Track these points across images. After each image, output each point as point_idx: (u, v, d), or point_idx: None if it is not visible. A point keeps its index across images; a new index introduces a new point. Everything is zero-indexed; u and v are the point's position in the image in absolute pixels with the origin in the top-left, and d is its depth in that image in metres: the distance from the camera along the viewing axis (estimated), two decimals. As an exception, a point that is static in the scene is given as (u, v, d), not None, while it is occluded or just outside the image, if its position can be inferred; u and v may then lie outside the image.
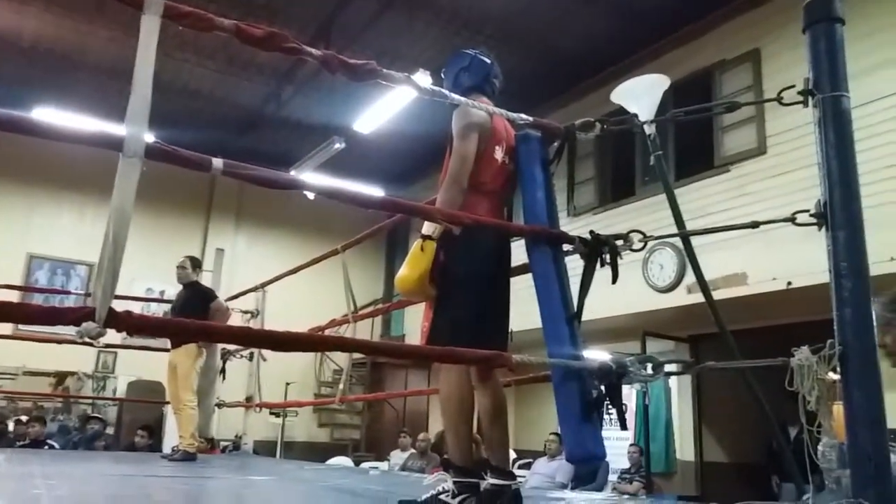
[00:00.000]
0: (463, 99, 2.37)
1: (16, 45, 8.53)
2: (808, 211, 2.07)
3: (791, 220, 2.11)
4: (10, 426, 8.35)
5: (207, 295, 5.92)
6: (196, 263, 6.02)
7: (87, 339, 1.49)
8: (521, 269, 2.62)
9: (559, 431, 3.71)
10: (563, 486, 7.37)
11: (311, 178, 9.62)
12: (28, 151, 9.50)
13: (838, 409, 1.96)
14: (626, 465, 7.98)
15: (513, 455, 9.24)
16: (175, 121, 9.32)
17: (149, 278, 9.94)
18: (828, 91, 2.03)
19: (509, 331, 2.62)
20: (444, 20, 7.88)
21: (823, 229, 2.03)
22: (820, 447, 2.12)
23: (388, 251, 12.76)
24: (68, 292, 9.85)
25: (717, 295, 5.72)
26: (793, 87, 2.12)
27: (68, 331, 1.51)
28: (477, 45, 2.94)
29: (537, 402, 10.99)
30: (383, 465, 8.94)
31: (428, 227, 2.44)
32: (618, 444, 8.19)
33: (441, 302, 2.46)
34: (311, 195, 2.06)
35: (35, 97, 9.07)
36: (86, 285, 10.17)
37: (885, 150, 5.57)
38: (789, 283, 6.19)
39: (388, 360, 12.03)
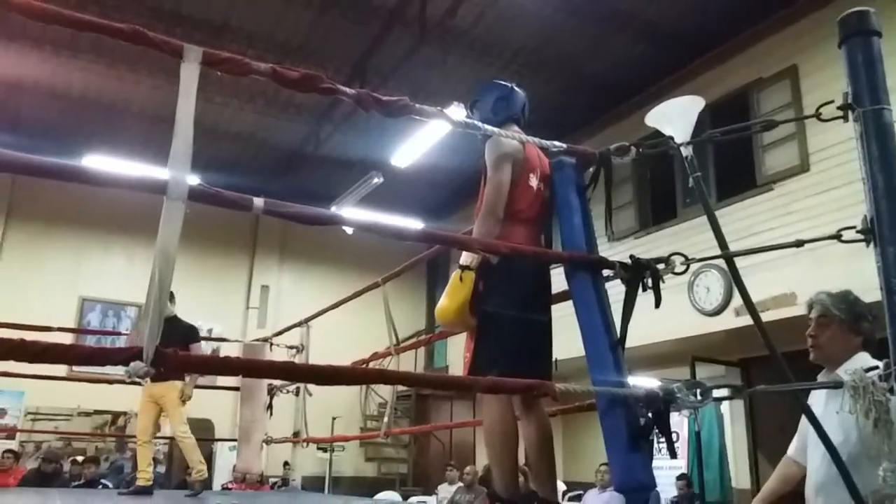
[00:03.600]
0: (494, 129, 2.39)
1: (67, 96, 8.91)
2: (854, 227, 2.02)
3: (837, 237, 2.06)
4: (66, 467, 8.52)
5: (188, 335, 5.73)
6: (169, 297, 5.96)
7: (135, 379, 1.52)
8: (562, 297, 2.59)
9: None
10: (616, 518, 7.19)
11: (351, 213, 9.74)
12: (78, 197, 9.83)
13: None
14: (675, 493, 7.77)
15: (563, 487, 9.09)
16: (219, 164, 9.58)
17: (196, 317, 10.09)
18: (868, 105, 1.98)
19: (553, 359, 2.59)
20: (476, 53, 7.98)
21: (872, 245, 1.97)
22: (881, 472, 2.03)
23: (429, 283, 12.80)
24: (119, 333, 10.08)
25: (767, 316, 5.58)
26: (831, 102, 2.08)
27: (120, 371, 1.54)
28: (510, 75, 2.98)
29: (587, 432, 10.80)
30: (431, 500, 8.85)
31: (466, 258, 2.45)
32: (669, 474, 7.99)
33: (482, 332, 2.45)
34: (349, 230, 2.09)
35: (85, 145, 9.42)
36: (136, 326, 10.41)
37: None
38: (842, 303, 6.01)
39: (432, 391, 12.00)
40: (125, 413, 10.34)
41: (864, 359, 2.44)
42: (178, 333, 5.61)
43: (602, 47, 7.89)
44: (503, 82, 2.82)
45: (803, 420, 2.67)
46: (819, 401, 2.51)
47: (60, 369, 8.38)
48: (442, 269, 11.46)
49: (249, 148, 10.34)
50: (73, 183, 1.63)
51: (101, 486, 7.60)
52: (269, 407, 6.76)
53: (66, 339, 7.92)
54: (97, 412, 10.10)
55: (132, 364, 1.44)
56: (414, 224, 10.56)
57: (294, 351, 6.77)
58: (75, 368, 9.23)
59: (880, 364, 2.19)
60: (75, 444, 9.70)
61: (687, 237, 7.31)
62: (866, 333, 2.49)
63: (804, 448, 2.62)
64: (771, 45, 7.31)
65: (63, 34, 7.60)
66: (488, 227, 2.45)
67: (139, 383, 7.67)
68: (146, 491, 5.24)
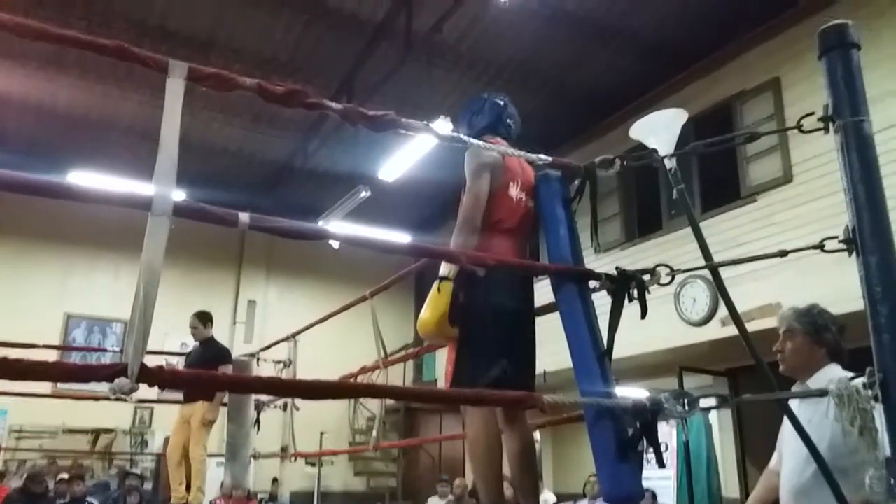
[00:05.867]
0: (477, 141, 2.40)
1: (52, 112, 8.88)
2: (836, 237, 2.04)
3: (820, 247, 2.08)
4: (51, 485, 8.41)
5: (220, 356, 5.86)
6: (206, 319, 6.00)
7: (120, 396, 1.51)
8: (549, 308, 2.60)
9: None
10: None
11: (339, 227, 9.73)
12: (63, 214, 9.78)
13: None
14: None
15: (553, 498, 9.06)
16: (206, 179, 9.55)
17: (183, 333, 10.00)
18: (848, 116, 2.01)
19: (538, 372, 2.59)
20: (462, 67, 8.03)
21: (854, 255, 1.99)
22: (867, 479, 2.05)
23: (417, 296, 12.78)
24: (105, 350, 10.01)
25: (753, 326, 5.62)
26: (812, 114, 2.11)
27: (105, 388, 1.53)
28: (496, 89, 3.00)
29: (575, 443, 10.79)
30: (421, 514, 8.80)
31: (444, 269, 2.45)
32: (660, 484, 7.99)
33: (463, 343, 2.45)
34: (335, 244, 2.09)
35: (71, 161, 9.37)
36: (122, 342, 10.32)
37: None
38: (826, 312, 6.05)
39: (421, 405, 11.96)
40: (111, 430, 10.24)
41: (833, 370, 2.53)
42: (211, 355, 5.67)
43: (587, 61, 7.97)
44: (483, 96, 2.83)
45: (781, 432, 2.78)
46: (795, 411, 2.56)
47: (45, 386, 8.27)
48: (429, 282, 11.36)
49: (237, 163, 10.33)
50: (58, 199, 1.63)
51: (86, 504, 7.51)
52: (257, 422, 6.71)
53: (52, 355, 7.85)
54: (82, 431, 9.98)
55: (116, 381, 1.43)
56: (401, 238, 10.56)
57: (281, 366, 6.73)
58: (60, 385, 9.12)
59: (849, 375, 2.28)
60: (60, 461, 9.57)
61: (672, 248, 7.36)
62: (830, 344, 2.59)
63: (781, 457, 2.69)
64: (753, 58, 7.40)
65: (49, 50, 7.58)
66: (465, 236, 2.45)
67: (125, 400, 7.63)
68: None
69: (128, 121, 9.01)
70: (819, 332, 2.60)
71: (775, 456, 2.83)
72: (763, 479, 2.84)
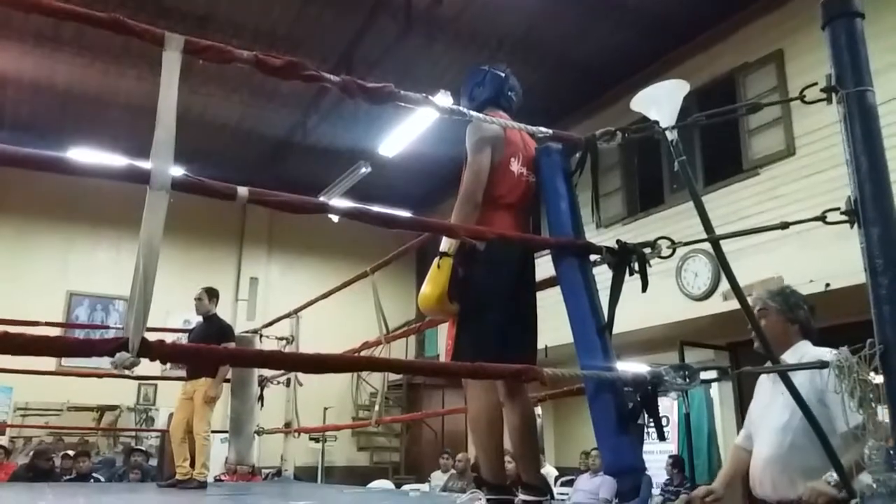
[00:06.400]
0: (478, 114, 2.38)
1: (50, 90, 8.82)
2: (838, 209, 2.03)
3: (822, 218, 2.07)
4: (57, 461, 8.50)
5: (224, 332, 5.84)
6: (212, 294, 6.02)
7: (123, 370, 1.52)
8: (550, 283, 2.60)
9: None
10: (607, 503, 7.25)
11: (338, 203, 9.70)
12: (64, 191, 9.77)
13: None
14: (667, 478, 7.83)
15: (554, 472, 9.15)
16: (205, 155, 9.50)
17: (185, 310, 10.04)
18: (851, 86, 1.99)
19: (540, 346, 2.60)
20: (463, 41, 7.95)
21: (856, 227, 1.98)
22: (866, 450, 2.06)
23: (419, 272, 12.79)
24: (107, 327, 10.03)
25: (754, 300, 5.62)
26: (815, 84, 2.08)
27: (109, 365, 1.53)
28: (497, 62, 2.95)
29: (577, 417, 10.86)
30: (424, 487, 8.89)
31: (445, 244, 2.44)
32: (661, 458, 8.04)
33: (463, 318, 2.45)
34: (335, 218, 2.08)
35: (70, 138, 9.35)
36: (124, 320, 10.35)
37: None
38: (828, 285, 6.06)
39: (423, 381, 12.02)
40: (116, 407, 10.31)
41: (806, 346, 2.64)
42: (213, 331, 5.71)
43: (589, 34, 7.88)
44: (483, 67, 2.80)
45: (750, 409, 2.88)
46: (766, 385, 2.75)
47: (49, 364, 8.33)
48: (431, 258, 11.37)
49: (236, 139, 10.27)
50: (57, 174, 1.62)
51: (92, 480, 7.59)
52: (261, 398, 6.76)
53: (54, 333, 7.89)
54: (87, 408, 10.06)
55: (118, 355, 1.43)
56: (402, 214, 10.55)
57: (284, 342, 6.77)
58: (64, 363, 9.19)
59: (826, 351, 2.31)
60: (66, 439, 9.66)
61: (674, 223, 7.33)
62: (802, 321, 2.69)
63: (750, 436, 2.79)
64: (756, 30, 7.32)
65: (45, 26, 7.52)
66: (466, 212, 2.44)
67: (128, 375, 7.67)
68: (202, 486, 5.38)
69: (126, 98, 8.95)
70: (792, 310, 2.70)
71: (743, 431, 2.90)
72: (731, 456, 2.93)
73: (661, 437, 2.20)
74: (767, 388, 2.73)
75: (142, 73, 8.21)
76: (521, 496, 2.35)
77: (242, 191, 1.73)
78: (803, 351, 2.60)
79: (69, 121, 9.53)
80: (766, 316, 2.69)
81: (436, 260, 2.44)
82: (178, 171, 1.63)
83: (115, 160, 8.37)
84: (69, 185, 9.53)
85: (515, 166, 2.56)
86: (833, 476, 2.23)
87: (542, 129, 2.40)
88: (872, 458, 2.05)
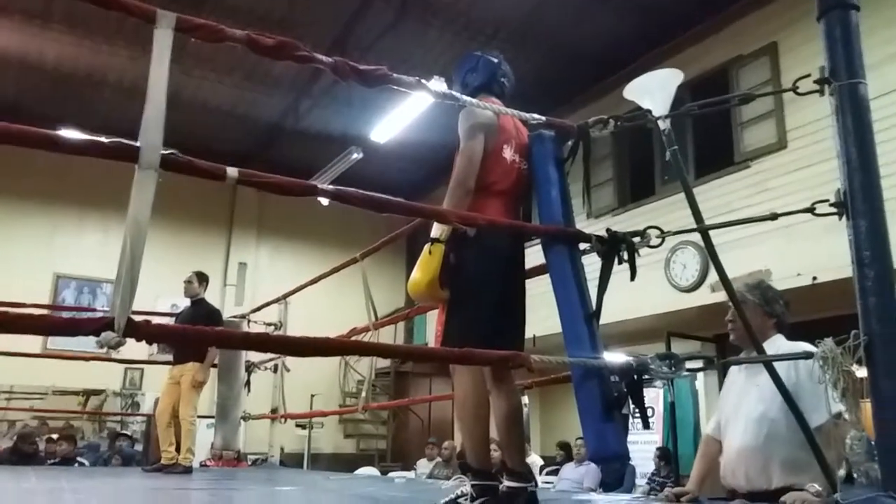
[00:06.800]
0: (470, 99, 2.36)
1: (41, 69, 8.71)
2: (827, 201, 2.04)
3: (811, 210, 2.08)
4: (41, 445, 8.47)
5: (212, 316, 5.79)
6: (202, 278, 6.00)
7: (108, 350, 1.51)
8: (539, 271, 2.60)
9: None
10: (592, 491, 7.30)
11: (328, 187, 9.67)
12: (51, 172, 9.67)
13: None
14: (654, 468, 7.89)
15: (540, 461, 9.20)
16: (196, 138, 9.42)
17: (173, 294, 10.02)
18: (844, 79, 2.00)
19: (527, 335, 2.60)
20: (458, 27, 7.91)
21: (845, 220, 1.99)
22: (847, 440, 2.08)
23: (409, 259, 12.77)
24: (94, 310, 9.96)
25: (742, 293, 5.64)
26: (808, 76, 2.09)
27: (96, 349, 1.53)
28: (492, 49, 2.93)
29: (563, 406, 10.93)
30: (410, 475, 8.92)
31: (436, 230, 2.44)
32: (645, 448, 8.10)
33: (454, 305, 2.45)
34: (325, 202, 2.07)
35: (60, 118, 9.23)
36: (111, 301, 10.29)
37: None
38: (814, 279, 6.10)
39: (411, 369, 12.04)
40: (101, 391, 10.28)
41: (780, 339, 2.68)
42: (202, 315, 5.68)
43: (585, 21, 7.85)
44: (476, 53, 2.79)
45: (721, 399, 2.93)
46: (738, 377, 2.78)
47: (34, 346, 8.29)
48: (421, 244, 11.32)
49: (227, 121, 10.19)
50: (44, 153, 1.60)
51: (77, 464, 7.56)
52: (247, 384, 6.75)
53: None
54: (72, 392, 10.02)
55: (103, 334, 1.42)
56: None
57: (272, 328, 6.76)
58: (50, 345, 9.15)
59: (798, 344, 2.38)
60: (51, 422, 9.61)
61: (665, 214, 7.34)
62: (779, 315, 2.73)
63: (721, 426, 2.81)
64: (751, 22, 7.32)
65: (34, 2, 7.42)
66: (458, 198, 2.43)
67: (114, 359, 7.64)
68: (188, 471, 5.37)
69: (117, 77, 8.85)
70: (769, 304, 2.73)
71: (713, 423, 2.91)
72: (702, 450, 2.92)
73: (646, 425, 2.20)
74: (740, 380, 2.76)
75: (134, 52, 8.12)
76: (506, 482, 2.35)
77: (232, 171, 1.72)
78: (778, 344, 2.64)
79: (58, 101, 9.42)
80: (745, 309, 2.69)
81: (427, 246, 2.43)
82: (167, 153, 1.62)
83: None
84: (56, 166, 9.44)
85: (508, 153, 2.55)
86: (815, 486, 2.24)
87: (536, 115, 2.40)
88: (854, 448, 2.07)
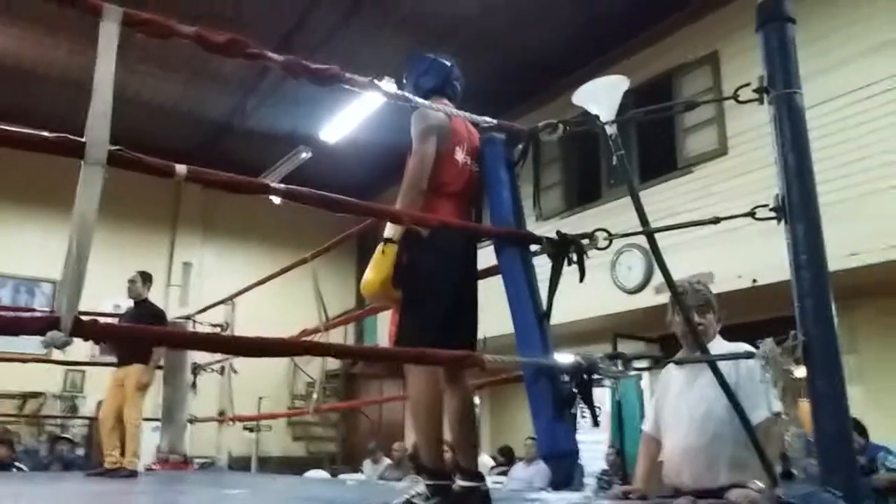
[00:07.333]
0: (422, 101, 2.38)
1: (-21, 62, 8.39)
2: (767, 206, 2.11)
3: (751, 214, 2.16)
4: (-25, 450, 8.14)
5: (157, 317, 5.68)
6: (146, 278, 5.87)
7: (51, 352, 1.47)
8: (491, 271, 2.63)
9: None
10: (542, 490, 7.38)
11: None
12: (-13, 168, 9.31)
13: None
14: (603, 467, 8.02)
15: (491, 463, 9.25)
16: (140, 136, 9.20)
17: (114, 295, 9.73)
18: (781, 88, 2.08)
19: (480, 336, 2.63)
20: (409, 28, 7.91)
21: (783, 225, 2.07)
22: (787, 437, 2.16)
23: (359, 260, 12.70)
24: (33, 310, 9.61)
25: (685, 294, 5.79)
26: (748, 85, 2.17)
27: (34, 350, 1.49)
28: (443, 51, 2.95)
29: (514, 407, 11.00)
30: (361, 477, 8.88)
31: (389, 230, 2.45)
32: (594, 448, 8.21)
33: (407, 305, 2.46)
34: (277, 200, 2.05)
35: (2, 112, 8.90)
36: (51, 303, 9.96)
37: (839, 149, 5.74)
38: (754, 281, 6.30)
39: (361, 370, 11.97)
40: (40, 394, 9.94)
41: (720, 341, 2.79)
42: (146, 316, 5.54)
43: (534, 27, 7.94)
44: (428, 55, 2.81)
45: (656, 398, 3.01)
46: (677, 377, 2.84)
47: (-32, 348, 7.97)
48: (372, 245, 11.23)
49: (172, 120, 9.98)
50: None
51: (14, 470, 7.30)
52: (193, 385, 6.63)
53: (-25, 316, 7.53)
54: (9, 395, 9.66)
55: (49, 334, 1.39)
56: (344, 201, 10.45)
57: (219, 329, 6.65)
58: (-15, 347, 8.80)
59: (740, 345, 2.48)
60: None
61: (611, 217, 7.45)
62: (721, 319, 2.86)
63: (659, 424, 2.88)
64: (694, 31, 7.51)
65: (-30, -7, 7.15)
66: (410, 199, 2.44)
67: (55, 360, 7.39)
68: (133, 475, 5.23)
69: (61, 71, 8.58)
70: (718, 308, 2.85)
71: (650, 421, 2.98)
72: (643, 449, 2.98)
73: (596, 423, 2.25)
74: (678, 380, 2.81)
75: (78, 46, 7.87)
76: (460, 482, 2.37)
77: (181, 168, 1.70)
78: (719, 346, 2.72)
79: (1, 94, 9.09)
80: (708, 311, 2.80)
81: (380, 246, 2.44)
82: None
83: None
84: (-7, 161, 9.10)
85: (460, 155, 2.57)
86: (758, 483, 2.31)
87: (487, 118, 2.43)
88: (793, 445, 2.15)
